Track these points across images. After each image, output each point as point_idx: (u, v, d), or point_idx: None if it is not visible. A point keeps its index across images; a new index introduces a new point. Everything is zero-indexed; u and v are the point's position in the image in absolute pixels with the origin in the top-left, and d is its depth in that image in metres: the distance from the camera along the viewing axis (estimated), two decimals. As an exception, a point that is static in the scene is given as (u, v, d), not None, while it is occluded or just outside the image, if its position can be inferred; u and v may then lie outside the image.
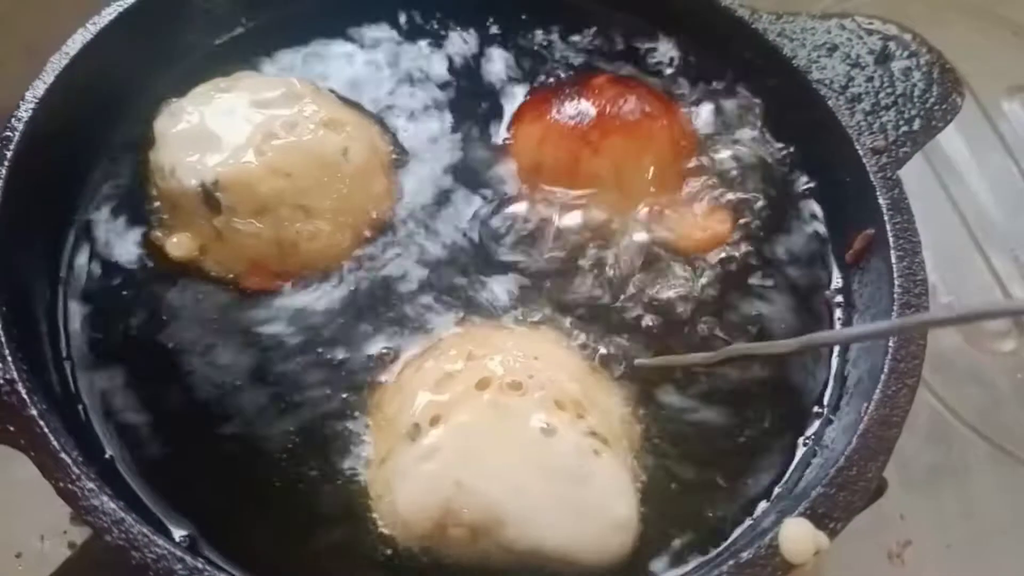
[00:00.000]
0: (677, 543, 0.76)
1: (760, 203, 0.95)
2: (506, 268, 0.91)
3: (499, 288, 0.90)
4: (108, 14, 0.94)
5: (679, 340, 0.87)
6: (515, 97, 1.02)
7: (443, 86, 1.02)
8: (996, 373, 1.15)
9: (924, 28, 1.28)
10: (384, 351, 0.85)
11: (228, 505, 0.80)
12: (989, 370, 1.15)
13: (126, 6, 0.95)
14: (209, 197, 0.87)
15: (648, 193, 0.94)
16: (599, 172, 0.93)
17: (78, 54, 0.92)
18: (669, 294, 0.89)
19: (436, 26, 1.06)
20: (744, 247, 0.92)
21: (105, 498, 0.69)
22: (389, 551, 0.76)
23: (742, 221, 0.94)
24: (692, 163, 0.97)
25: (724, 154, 0.98)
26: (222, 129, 0.89)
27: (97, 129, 0.95)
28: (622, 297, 0.89)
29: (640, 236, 0.92)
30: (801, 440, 0.82)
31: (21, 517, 0.99)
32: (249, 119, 0.90)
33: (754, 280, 0.91)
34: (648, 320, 0.87)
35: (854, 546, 0.97)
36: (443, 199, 0.95)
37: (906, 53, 0.97)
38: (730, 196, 0.95)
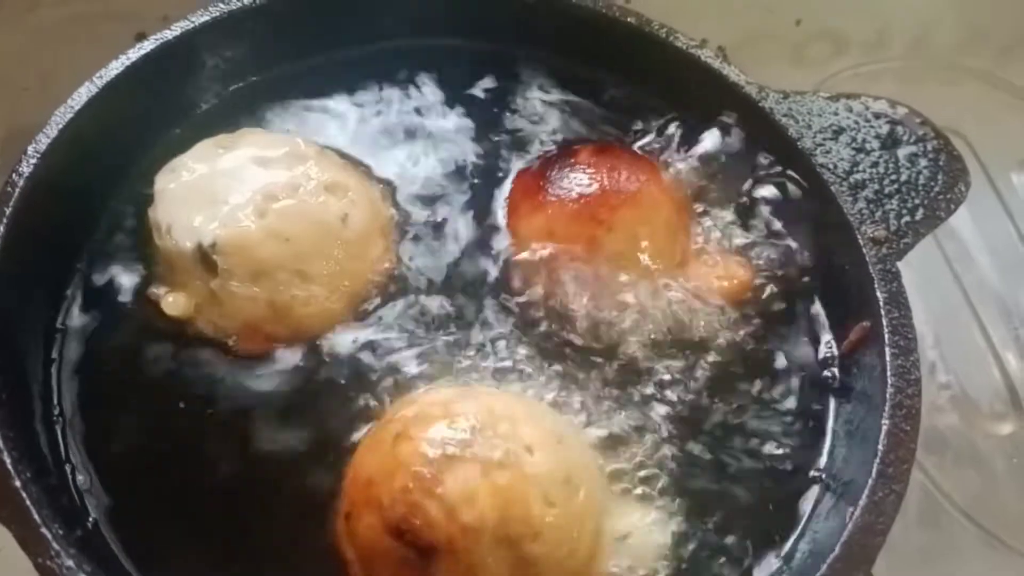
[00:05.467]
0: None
1: (759, 271, 0.95)
2: (511, 343, 0.90)
3: (502, 360, 0.89)
4: (114, 68, 0.95)
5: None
6: (518, 159, 1.02)
7: (449, 149, 1.02)
8: (992, 456, 1.14)
9: (937, 95, 1.29)
10: (371, 419, 0.85)
11: (210, 572, 0.80)
12: (985, 453, 1.14)
13: (132, 60, 0.95)
14: (206, 259, 0.87)
15: (666, 254, 0.94)
16: (619, 246, 0.92)
17: (82, 108, 0.92)
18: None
19: (445, 87, 1.06)
20: (741, 328, 0.92)
21: (82, 576, 0.70)
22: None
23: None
24: (693, 220, 0.97)
25: (723, 217, 0.98)
26: (222, 188, 0.89)
27: (100, 183, 0.95)
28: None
29: (668, 298, 0.92)
30: (785, 541, 0.81)
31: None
32: (250, 179, 0.90)
33: (747, 361, 0.90)
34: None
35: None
36: (444, 264, 0.95)
37: (913, 138, 0.97)
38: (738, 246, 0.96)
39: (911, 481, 1.11)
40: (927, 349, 1.19)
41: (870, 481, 0.77)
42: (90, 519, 0.80)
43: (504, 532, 0.72)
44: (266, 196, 0.89)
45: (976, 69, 1.47)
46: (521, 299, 0.92)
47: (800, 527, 0.82)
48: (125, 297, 0.91)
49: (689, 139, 0.99)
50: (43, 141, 0.90)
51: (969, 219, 1.30)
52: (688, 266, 0.94)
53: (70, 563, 0.70)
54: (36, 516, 0.72)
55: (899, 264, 0.91)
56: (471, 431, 0.76)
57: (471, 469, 0.74)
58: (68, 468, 0.82)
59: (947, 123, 1.28)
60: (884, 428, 0.79)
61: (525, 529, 0.73)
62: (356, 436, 0.84)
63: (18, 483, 0.73)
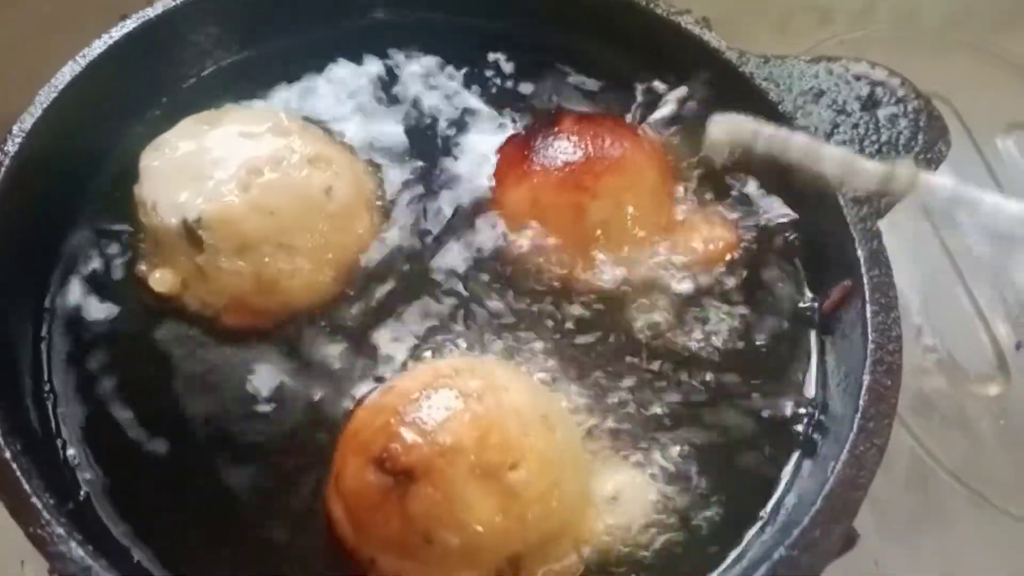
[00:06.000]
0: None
1: (742, 233, 0.96)
2: (496, 311, 0.91)
3: (487, 332, 0.90)
4: (97, 47, 0.95)
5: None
6: (503, 131, 1.02)
7: (434, 122, 1.03)
8: (979, 418, 1.14)
9: (923, 63, 1.28)
10: (362, 389, 0.86)
11: (203, 546, 0.80)
12: (972, 415, 1.15)
13: (115, 39, 0.96)
14: (191, 234, 0.87)
15: (651, 220, 0.94)
16: (603, 214, 0.92)
17: (66, 87, 0.92)
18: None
19: (428, 60, 1.07)
20: (725, 290, 0.93)
21: (73, 544, 0.70)
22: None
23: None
24: (677, 185, 0.98)
25: (707, 181, 0.99)
26: (206, 164, 0.90)
27: (85, 161, 0.96)
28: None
29: (654, 263, 0.93)
30: (770, 496, 0.82)
31: (2, 542, 1.00)
32: (234, 155, 0.90)
33: (731, 322, 0.91)
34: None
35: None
36: (429, 238, 0.95)
37: (893, 99, 0.97)
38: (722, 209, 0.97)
39: (900, 444, 1.13)
40: (913, 314, 1.20)
41: (851, 436, 0.77)
42: (82, 492, 0.81)
43: (482, 459, 0.73)
44: (250, 171, 0.89)
45: (963, 40, 1.47)
46: (508, 270, 0.93)
47: (784, 482, 0.82)
48: (113, 275, 0.92)
49: (670, 105, 1.00)
50: (27, 120, 0.90)
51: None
52: (673, 230, 0.95)
53: (60, 531, 0.71)
54: (26, 486, 0.73)
55: (885, 228, 0.91)
56: (452, 375, 0.79)
57: (449, 401, 0.77)
58: (59, 443, 0.83)
59: (933, 89, 1.28)
60: (865, 383, 0.79)
61: (503, 456, 0.74)
62: (345, 407, 0.85)
63: (8, 454, 0.74)
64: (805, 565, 0.72)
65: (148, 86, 1.00)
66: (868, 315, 0.83)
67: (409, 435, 0.75)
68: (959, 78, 1.36)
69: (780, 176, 0.97)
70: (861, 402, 0.79)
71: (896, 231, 1.24)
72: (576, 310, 0.91)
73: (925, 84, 1.03)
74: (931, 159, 0.93)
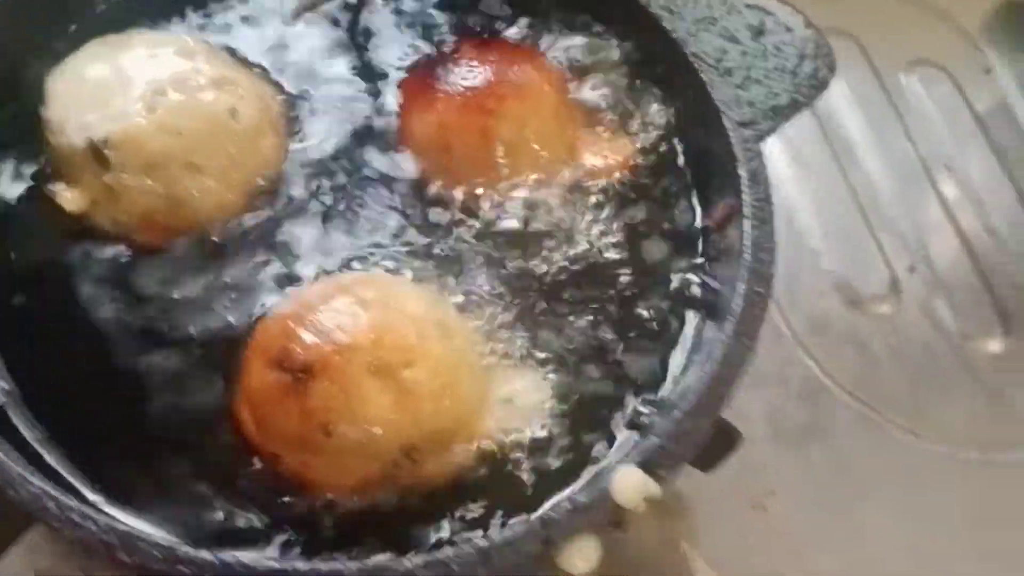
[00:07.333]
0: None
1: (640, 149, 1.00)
2: (400, 229, 0.94)
3: (391, 249, 0.93)
4: (3, -29, 0.96)
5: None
6: (410, 53, 1.05)
7: (341, 46, 1.05)
8: (872, 336, 1.21)
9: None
10: (269, 301, 0.89)
11: (114, 447, 0.84)
12: (865, 333, 1.21)
13: (21, -35, 0.97)
14: (98, 154, 0.89)
15: (555, 139, 0.98)
16: (509, 135, 0.95)
17: (-28, 12, 0.94)
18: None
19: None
20: (622, 198, 0.98)
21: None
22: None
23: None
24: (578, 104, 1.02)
25: (605, 100, 1.03)
26: (112, 86, 0.91)
27: (-7, 84, 0.98)
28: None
29: (558, 178, 0.97)
30: (655, 390, 0.88)
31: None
32: (140, 76, 0.92)
33: (628, 235, 0.96)
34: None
35: (720, 493, 1.03)
36: (335, 159, 0.98)
37: (782, 28, 1.01)
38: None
39: (795, 361, 1.19)
40: (815, 240, 1.26)
41: (726, 338, 0.83)
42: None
43: (378, 358, 0.78)
44: (155, 91, 0.91)
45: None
46: (414, 190, 0.96)
47: (668, 381, 0.88)
48: (24, 195, 0.94)
49: (568, 28, 1.04)
50: (-70, 47, 0.91)
51: (861, 117, 1.35)
52: (575, 148, 0.99)
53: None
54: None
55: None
56: (350, 285, 0.84)
57: (347, 307, 0.81)
58: (-28, 360, 0.86)
59: (838, 24, 1.32)
60: (741, 290, 0.85)
61: (398, 356, 0.78)
62: (253, 316, 0.88)
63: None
64: (676, 454, 0.78)
65: (55, 12, 1.01)
66: (747, 229, 0.88)
67: (307, 336, 0.79)
68: (865, 13, 1.40)
69: (674, 103, 1.02)
70: (735, 307, 0.84)
71: (803, 166, 1.31)
72: (480, 227, 0.95)
73: (830, 19, 1.06)
74: (814, 86, 0.98)
